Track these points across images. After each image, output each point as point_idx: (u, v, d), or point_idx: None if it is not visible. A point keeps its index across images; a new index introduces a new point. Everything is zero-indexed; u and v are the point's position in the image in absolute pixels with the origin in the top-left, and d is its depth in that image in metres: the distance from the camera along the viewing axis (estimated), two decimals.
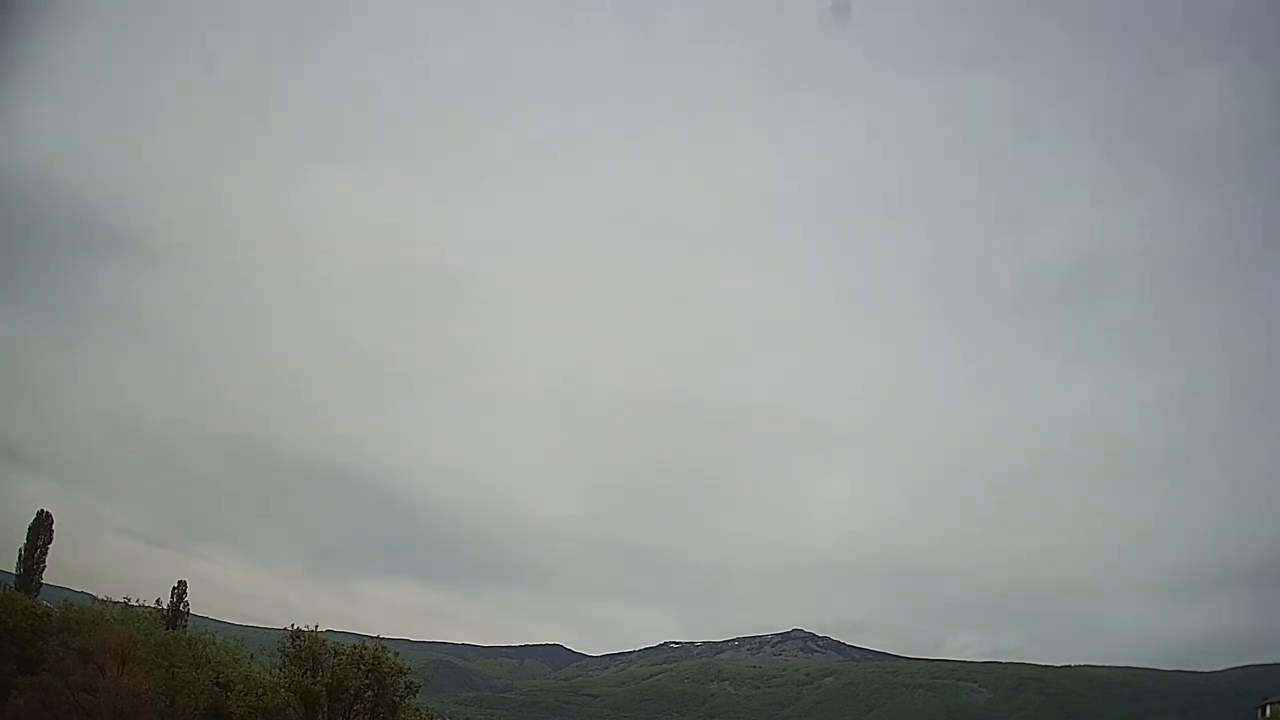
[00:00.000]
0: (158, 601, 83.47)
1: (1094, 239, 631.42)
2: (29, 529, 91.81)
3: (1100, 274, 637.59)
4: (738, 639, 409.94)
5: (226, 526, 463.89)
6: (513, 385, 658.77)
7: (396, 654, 57.51)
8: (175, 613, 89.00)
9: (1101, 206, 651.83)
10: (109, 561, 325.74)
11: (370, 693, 54.96)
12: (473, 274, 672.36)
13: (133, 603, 65.29)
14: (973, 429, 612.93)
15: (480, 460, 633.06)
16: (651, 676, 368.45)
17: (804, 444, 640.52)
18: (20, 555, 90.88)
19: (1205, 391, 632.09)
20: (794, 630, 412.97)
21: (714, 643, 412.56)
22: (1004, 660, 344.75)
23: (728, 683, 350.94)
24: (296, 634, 56.16)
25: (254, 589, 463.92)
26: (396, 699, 56.65)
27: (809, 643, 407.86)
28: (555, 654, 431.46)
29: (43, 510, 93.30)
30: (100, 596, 64.93)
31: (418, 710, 62.58)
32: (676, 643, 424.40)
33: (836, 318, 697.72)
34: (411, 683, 57.38)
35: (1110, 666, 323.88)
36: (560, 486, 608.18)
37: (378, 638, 58.18)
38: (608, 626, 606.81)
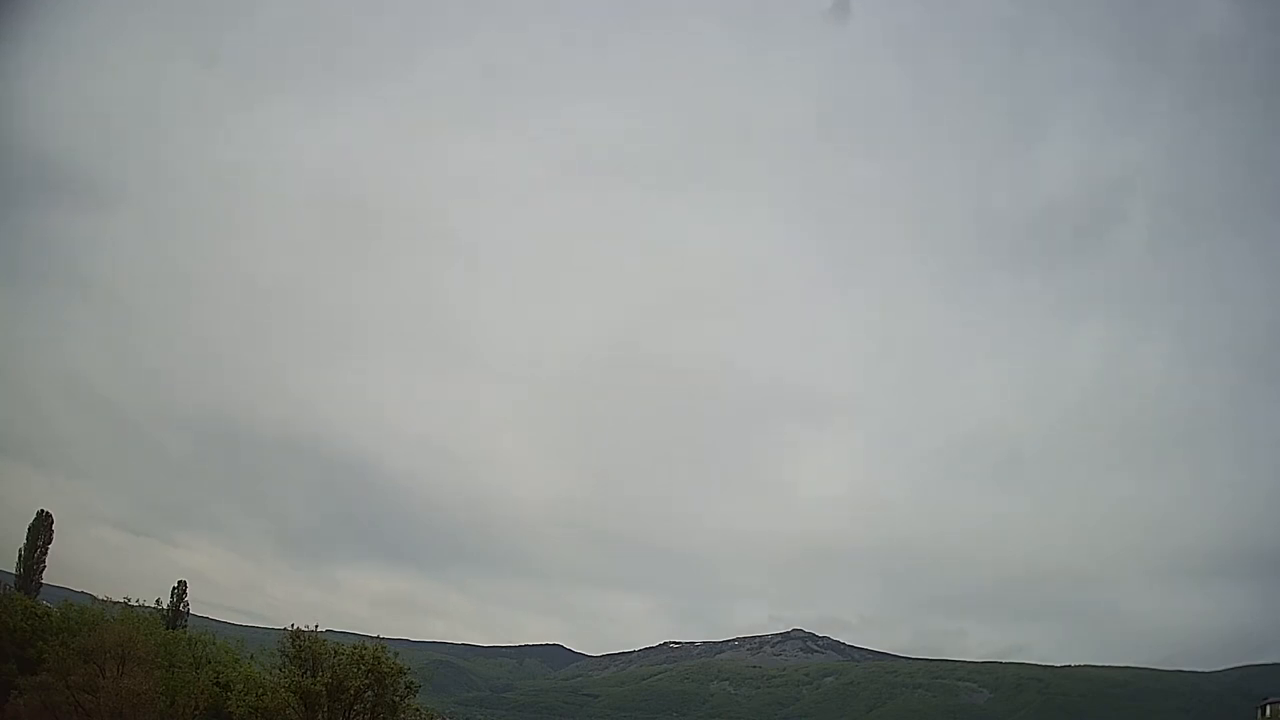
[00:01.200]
0: (158, 601, 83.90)
1: (1099, 168, 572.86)
2: (29, 529, 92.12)
3: (1107, 209, 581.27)
4: (737, 639, 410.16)
5: (204, 512, 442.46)
6: (478, 342, 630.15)
7: (396, 654, 57.51)
8: (175, 613, 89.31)
9: (1107, 131, 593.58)
10: (94, 554, 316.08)
11: (370, 693, 54.97)
12: (431, 220, 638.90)
13: (133, 603, 65.32)
14: (974, 397, 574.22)
15: (451, 431, 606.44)
16: (651, 676, 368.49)
17: (789, 413, 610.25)
18: (20, 555, 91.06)
19: (1220, 353, 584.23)
20: (794, 630, 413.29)
21: (714, 643, 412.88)
22: (1004, 660, 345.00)
23: (728, 683, 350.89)
24: (296, 634, 56.20)
25: (236, 579, 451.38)
26: (396, 699, 56.64)
27: (809, 643, 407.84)
28: (555, 654, 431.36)
29: (43, 510, 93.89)
30: (100, 596, 64.98)
31: (418, 710, 62.51)
32: (676, 643, 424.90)
33: (820, 268, 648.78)
34: (411, 683, 57.37)
35: (1110, 666, 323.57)
36: (537, 461, 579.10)
37: (378, 638, 58.27)
38: (597, 617, 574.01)
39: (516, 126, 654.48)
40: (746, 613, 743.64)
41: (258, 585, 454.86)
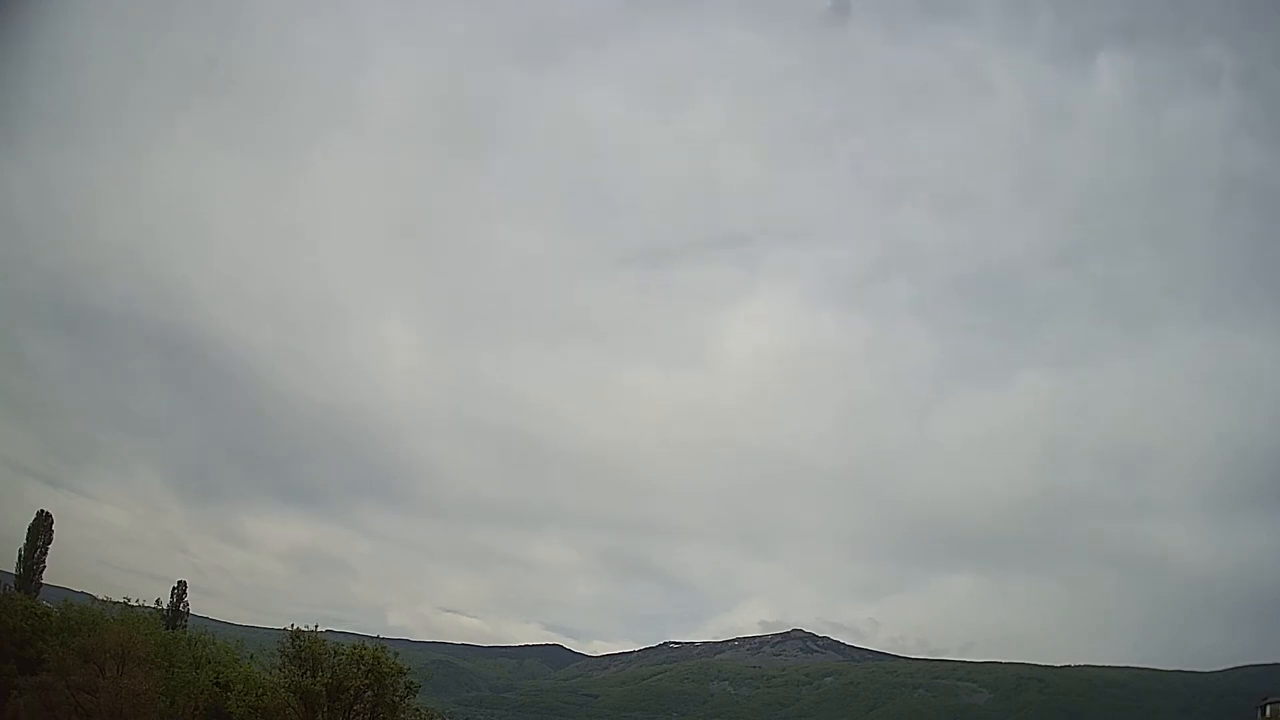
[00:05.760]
0: (158, 601, 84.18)
1: None
2: (29, 529, 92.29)
3: None
4: (737, 639, 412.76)
5: (93, 442, 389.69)
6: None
7: (396, 654, 57.53)
8: (175, 613, 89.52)
9: None
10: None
11: (370, 693, 54.92)
12: None
13: (133, 603, 65.42)
14: (953, 212, 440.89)
15: (297, 281, 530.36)
16: (651, 676, 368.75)
17: (700, 237, 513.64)
18: (20, 555, 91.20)
19: None
20: (794, 630, 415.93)
21: (713, 643, 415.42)
22: (1004, 660, 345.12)
23: (727, 683, 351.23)
24: (296, 634, 56.26)
25: (157, 538, 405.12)
26: (396, 699, 56.57)
27: (809, 643, 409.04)
28: (555, 654, 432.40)
29: (43, 510, 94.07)
30: (100, 596, 65.10)
31: (418, 710, 62.40)
32: (676, 643, 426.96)
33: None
34: (411, 683, 57.30)
35: (1110, 666, 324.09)
36: (405, 325, 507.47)
37: (378, 638, 58.38)
38: (528, 569, 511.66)
39: None
40: (690, 556, 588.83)
41: (179, 543, 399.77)
